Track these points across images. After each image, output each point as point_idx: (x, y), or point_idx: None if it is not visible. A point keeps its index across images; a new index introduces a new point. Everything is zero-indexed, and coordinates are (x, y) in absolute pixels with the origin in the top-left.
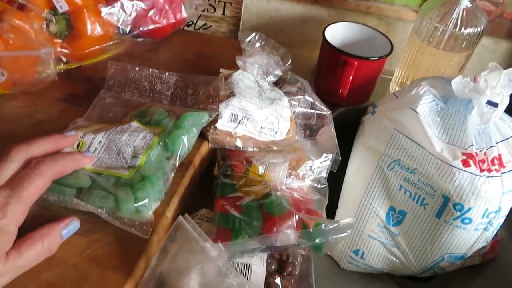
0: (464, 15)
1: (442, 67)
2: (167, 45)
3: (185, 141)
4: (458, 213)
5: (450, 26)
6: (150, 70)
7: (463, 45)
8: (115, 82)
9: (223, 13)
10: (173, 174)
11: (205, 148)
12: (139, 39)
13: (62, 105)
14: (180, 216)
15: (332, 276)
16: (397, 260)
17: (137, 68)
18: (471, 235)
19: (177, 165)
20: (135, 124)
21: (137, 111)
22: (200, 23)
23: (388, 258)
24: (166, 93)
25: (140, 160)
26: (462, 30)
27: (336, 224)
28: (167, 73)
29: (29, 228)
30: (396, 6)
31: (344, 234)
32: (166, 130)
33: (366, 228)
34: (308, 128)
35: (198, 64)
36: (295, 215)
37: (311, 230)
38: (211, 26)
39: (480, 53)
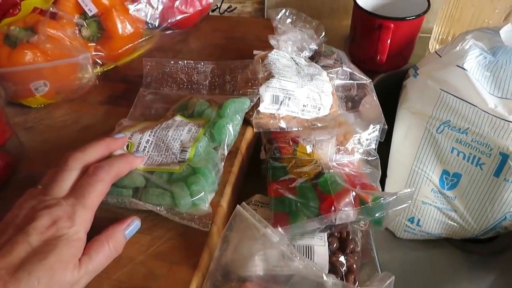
0: None
1: (486, 17)
2: (196, 34)
3: (231, 129)
4: None
5: None
6: (185, 61)
7: None
8: (152, 79)
9: None
10: (223, 164)
11: (249, 133)
12: (168, 32)
13: (105, 108)
14: (238, 205)
15: (389, 247)
16: (456, 224)
17: (172, 62)
18: None
19: (226, 154)
20: (178, 118)
21: (178, 104)
22: (225, 6)
23: (445, 223)
24: (204, 83)
25: (189, 153)
26: None
27: (395, 196)
28: (202, 63)
29: (94, 231)
30: None
31: (404, 205)
32: (210, 121)
33: (420, 195)
34: (350, 100)
35: (229, 48)
36: (352, 192)
37: (370, 205)
38: (236, 7)
39: None
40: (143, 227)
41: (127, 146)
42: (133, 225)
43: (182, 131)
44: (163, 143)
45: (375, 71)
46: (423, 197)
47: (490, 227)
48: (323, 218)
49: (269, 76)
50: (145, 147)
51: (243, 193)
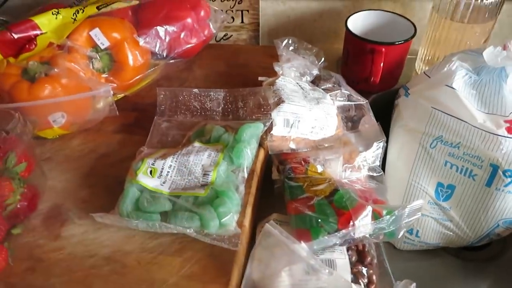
0: None
1: (468, 39)
2: (199, 62)
3: (249, 152)
4: (509, 179)
5: None
6: (197, 90)
7: (486, 15)
8: (166, 107)
9: (242, 21)
10: (243, 186)
11: (261, 155)
12: (171, 61)
13: (119, 136)
14: (266, 224)
15: (390, 259)
16: (452, 233)
17: (184, 91)
18: None
19: (246, 177)
20: (197, 144)
21: (194, 131)
22: (221, 34)
23: (442, 233)
24: (217, 109)
25: (211, 177)
26: (484, 1)
27: (408, 209)
28: (214, 91)
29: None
30: None
31: (416, 216)
32: (228, 146)
33: None
34: (349, 120)
35: (233, 75)
36: (368, 206)
37: (386, 219)
38: (231, 35)
39: (499, 19)
40: (172, 250)
41: (151, 171)
42: None
43: (203, 156)
44: (185, 168)
45: (367, 91)
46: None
47: (484, 234)
48: (344, 232)
49: (280, 101)
50: (168, 172)
51: (259, 212)
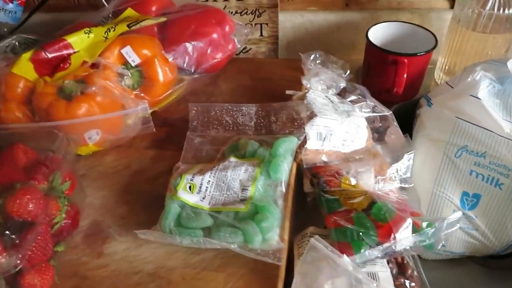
0: None
1: (489, 49)
2: (223, 76)
3: (285, 167)
4: None
5: (494, 9)
6: (229, 104)
7: (508, 25)
8: (198, 122)
9: (261, 34)
10: (282, 200)
11: (294, 169)
12: (197, 76)
13: (151, 152)
14: (312, 238)
15: None
16: (478, 242)
17: (216, 106)
18: None
19: (284, 191)
20: (233, 159)
21: (229, 146)
22: (240, 47)
23: (468, 242)
24: (249, 124)
25: (250, 191)
26: (506, 11)
27: (447, 221)
28: (246, 105)
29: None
30: None
31: (454, 228)
32: (264, 160)
33: (443, 216)
34: (375, 131)
35: (258, 88)
36: (408, 218)
37: (426, 231)
38: (250, 48)
39: None
40: (214, 265)
41: (190, 187)
42: None
43: (240, 171)
44: (223, 183)
45: (388, 102)
46: None
47: (510, 242)
48: (386, 245)
49: (312, 114)
50: (206, 187)
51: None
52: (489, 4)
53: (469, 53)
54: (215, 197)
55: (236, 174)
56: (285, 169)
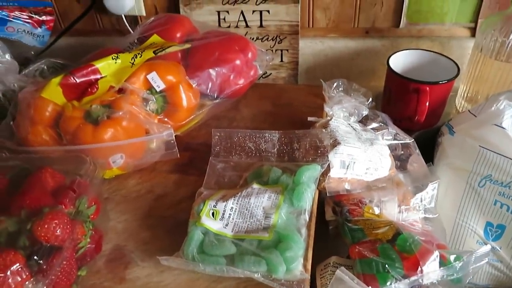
0: None
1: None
2: (245, 101)
3: (309, 195)
4: None
5: None
6: (252, 131)
7: None
8: (221, 148)
9: (281, 60)
10: (305, 229)
11: (316, 196)
12: (218, 101)
13: (174, 176)
14: (337, 270)
15: None
16: (502, 275)
17: (239, 132)
18: None
19: (307, 219)
20: (256, 186)
21: (252, 172)
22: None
23: (492, 274)
24: (272, 150)
25: (273, 219)
26: None
27: (475, 254)
28: (268, 132)
29: None
30: (446, 26)
31: (483, 262)
32: (288, 188)
33: (465, 247)
34: (396, 159)
35: (279, 114)
36: (435, 251)
37: (455, 265)
38: (271, 74)
39: None
40: None
41: (213, 213)
42: None
43: (263, 198)
44: (246, 210)
45: (409, 129)
46: (469, 248)
47: None
48: (413, 279)
49: (335, 142)
50: (230, 214)
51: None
52: None
53: (491, 82)
54: (238, 224)
55: (259, 201)
56: (308, 197)
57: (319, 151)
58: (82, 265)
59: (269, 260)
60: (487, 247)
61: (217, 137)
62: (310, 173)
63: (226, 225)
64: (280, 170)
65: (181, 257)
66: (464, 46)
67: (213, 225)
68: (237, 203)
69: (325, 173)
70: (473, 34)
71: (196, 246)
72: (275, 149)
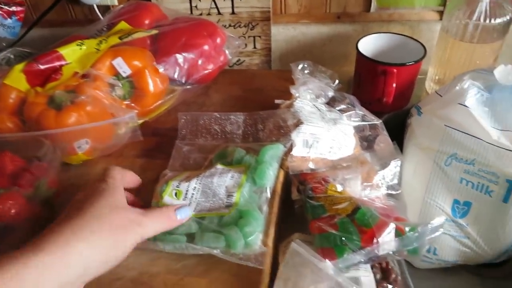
0: (491, 7)
1: (477, 59)
2: (215, 87)
3: (271, 173)
4: None
5: (480, 20)
6: (218, 114)
7: (495, 35)
8: (187, 131)
9: (254, 47)
10: (266, 206)
11: (281, 176)
12: (188, 86)
13: (141, 161)
14: (293, 242)
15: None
16: (470, 250)
17: (205, 115)
18: None
19: (269, 197)
20: (220, 166)
21: (216, 153)
22: (234, 59)
23: (460, 250)
24: (237, 132)
25: (235, 198)
26: (492, 21)
27: (430, 225)
28: (234, 114)
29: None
30: (416, 9)
31: (438, 233)
32: (250, 167)
33: None
34: (364, 139)
35: (249, 99)
36: (391, 223)
37: (409, 235)
38: (244, 60)
39: (506, 38)
40: (197, 271)
41: (176, 193)
42: (183, 209)
43: (226, 177)
44: (209, 189)
45: (379, 112)
46: None
47: (502, 250)
48: (368, 250)
49: (299, 122)
50: (192, 194)
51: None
52: (476, 14)
53: (458, 63)
54: (200, 203)
55: (222, 181)
56: (270, 176)
57: (282, 131)
58: None
59: (228, 235)
60: (441, 218)
61: (183, 120)
62: (273, 152)
63: (189, 204)
64: (244, 150)
65: None
66: (433, 29)
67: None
68: (200, 183)
69: (289, 152)
70: (441, 17)
71: None
72: (240, 130)
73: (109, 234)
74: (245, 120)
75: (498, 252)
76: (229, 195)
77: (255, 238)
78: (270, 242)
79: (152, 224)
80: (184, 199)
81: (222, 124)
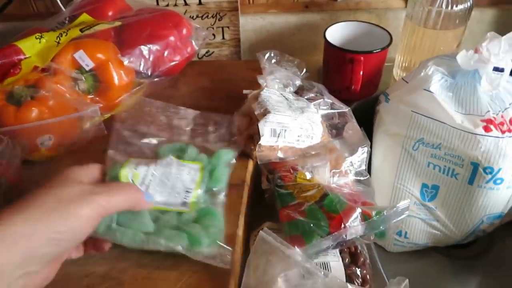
0: None
1: (441, 45)
2: (183, 79)
3: (226, 177)
4: (490, 176)
5: (442, 6)
6: (166, 104)
7: (457, 21)
8: (129, 115)
9: (223, 38)
10: (222, 209)
11: (250, 166)
12: (156, 79)
13: None
14: (261, 231)
15: (381, 261)
16: (439, 232)
17: (153, 104)
18: (505, 194)
19: (223, 199)
20: (174, 158)
21: (166, 146)
22: (203, 51)
23: (430, 232)
24: (185, 128)
25: (193, 195)
26: (454, 8)
27: (395, 209)
28: (184, 109)
29: None
30: None
31: (403, 216)
32: (205, 167)
33: None
34: (333, 127)
35: (217, 90)
36: (357, 208)
37: (375, 219)
38: (213, 52)
39: (469, 24)
40: (166, 264)
41: (132, 176)
42: (147, 193)
43: (182, 171)
44: (168, 180)
45: (349, 100)
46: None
47: (470, 231)
48: (336, 235)
49: (266, 111)
50: (150, 180)
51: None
52: (438, 1)
53: (422, 50)
54: (158, 192)
55: (180, 174)
56: (224, 179)
57: (233, 139)
58: None
59: (192, 233)
60: (407, 201)
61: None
62: (227, 158)
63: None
64: (197, 149)
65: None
66: (399, 17)
67: None
68: (158, 170)
69: (257, 142)
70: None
71: (110, 219)
72: (189, 127)
73: (56, 206)
74: (196, 118)
75: (466, 233)
76: (187, 191)
77: (219, 236)
78: (240, 232)
79: (115, 196)
80: (141, 184)
81: (169, 117)
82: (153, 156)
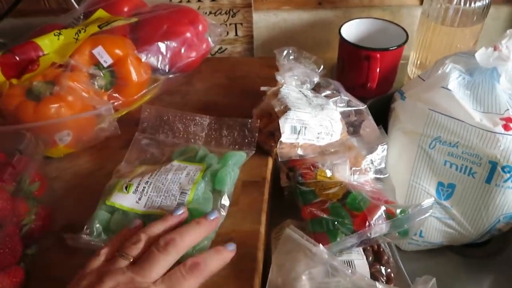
0: None
1: (458, 42)
2: (198, 76)
3: (231, 179)
4: (508, 175)
5: (460, 3)
6: (183, 112)
7: (475, 18)
8: (148, 124)
9: (236, 34)
10: (224, 210)
11: (270, 163)
12: (171, 76)
13: (125, 152)
14: (287, 228)
15: None
16: (454, 231)
17: (169, 113)
18: None
19: (227, 205)
20: (176, 163)
21: (178, 150)
22: (216, 47)
23: (445, 231)
24: (200, 134)
25: (189, 196)
26: (472, 5)
27: (419, 207)
28: (199, 116)
29: None
30: None
31: (427, 214)
32: (210, 167)
33: None
34: (350, 125)
35: (233, 87)
36: (382, 206)
37: (400, 217)
38: (226, 48)
39: (485, 22)
40: None
41: (126, 187)
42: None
43: (181, 174)
44: (162, 184)
45: (363, 97)
46: None
47: (486, 230)
48: (361, 233)
49: (286, 108)
50: (144, 187)
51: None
52: None
53: (439, 47)
54: (151, 198)
55: (177, 178)
56: (229, 182)
57: (247, 140)
58: (31, 243)
59: None
60: (431, 200)
61: (146, 113)
62: (236, 159)
63: (139, 199)
64: (207, 150)
65: (86, 235)
66: (413, 14)
67: (125, 201)
68: (153, 178)
69: (277, 139)
70: (422, 2)
71: (102, 225)
72: (204, 133)
73: None
74: (210, 123)
75: (481, 232)
76: (183, 192)
77: (205, 245)
78: (263, 229)
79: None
80: (135, 192)
81: (186, 124)
82: (165, 160)
